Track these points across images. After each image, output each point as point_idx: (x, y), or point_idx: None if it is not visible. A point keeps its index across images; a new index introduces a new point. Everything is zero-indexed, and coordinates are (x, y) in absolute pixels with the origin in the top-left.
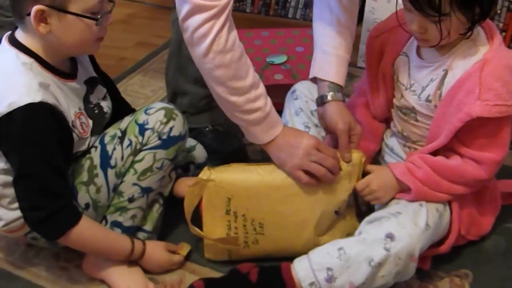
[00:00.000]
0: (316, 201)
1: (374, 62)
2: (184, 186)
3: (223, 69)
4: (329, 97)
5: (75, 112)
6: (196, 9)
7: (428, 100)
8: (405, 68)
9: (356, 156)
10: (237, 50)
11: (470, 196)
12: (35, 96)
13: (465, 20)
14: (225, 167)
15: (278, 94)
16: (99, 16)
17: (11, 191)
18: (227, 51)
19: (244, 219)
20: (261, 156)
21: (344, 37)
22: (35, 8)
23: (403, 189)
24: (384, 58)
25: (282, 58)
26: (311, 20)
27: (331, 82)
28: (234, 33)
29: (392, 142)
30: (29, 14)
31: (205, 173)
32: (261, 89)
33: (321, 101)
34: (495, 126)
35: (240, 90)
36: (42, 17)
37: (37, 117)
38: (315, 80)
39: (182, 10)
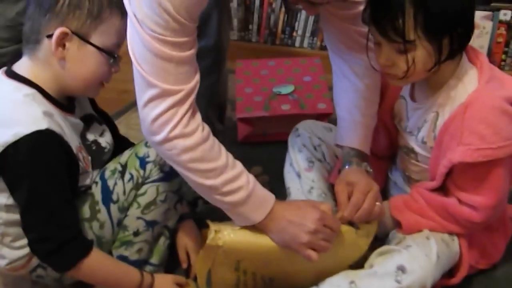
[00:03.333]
0: (330, 261)
1: None
2: (187, 240)
3: (189, 152)
4: (352, 166)
5: (76, 145)
6: (162, 95)
7: (423, 142)
8: (403, 111)
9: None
10: (203, 131)
11: None
12: (41, 124)
13: (433, 52)
14: (232, 227)
15: (285, 124)
16: (115, 56)
17: (13, 230)
18: (189, 134)
19: (254, 275)
20: (269, 187)
21: (365, 102)
22: (59, 29)
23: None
24: (383, 102)
25: (289, 88)
26: (318, 49)
27: (352, 149)
28: (198, 117)
29: (395, 176)
30: (50, 36)
31: (213, 239)
32: (239, 167)
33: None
34: (483, 170)
35: (215, 172)
36: (62, 41)
37: (45, 145)
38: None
39: (144, 96)
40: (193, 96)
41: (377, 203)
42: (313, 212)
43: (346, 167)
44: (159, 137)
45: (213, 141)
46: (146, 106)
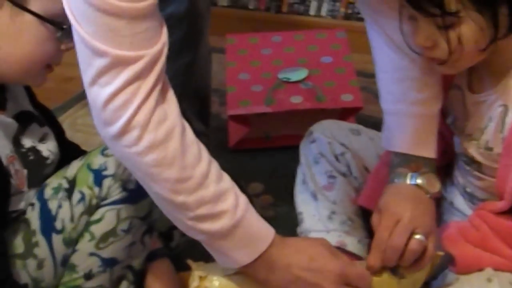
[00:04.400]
0: None
1: None
2: (160, 286)
3: (156, 150)
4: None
5: (7, 155)
6: (114, 65)
7: (488, 148)
8: (459, 106)
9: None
10: (179, 120)
11: None
12: None
13: (485, 25)
14: (225, 271)
15: (295, 124)
16: (64, 27)
17: None
18: (159, 122)
19: None
20: (274, 212)
21: (416, 84)
22: None
23: None
24: None
25: (302, 74)
26: (342, 18)
27: (398, 154)
28: (171, 97)
29: (451, 194)
30: None
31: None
32: (226, 182)
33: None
34: None
35: (189, 183)
36: None
37: None
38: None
39: (91, 69)
40: (160, 65)
41: (416, 237)
42: (331, 266)
43: (393, 182)
44: (115, 127)
45: (192, 138)
46: (94, 84)
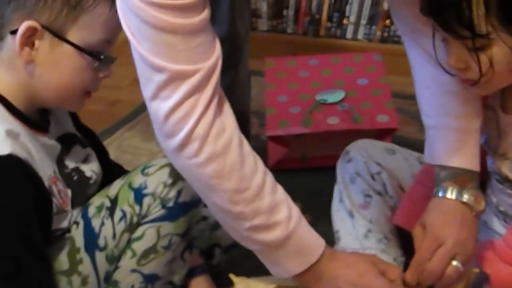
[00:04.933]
0: None
1: None
2: None
3: (215, 161)
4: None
5: (50, 175)
6: (173, 79)
7: None
8: (492, 126)
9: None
10: (236, 132)
11: None
12: (1, 147)
13: None
14: (266, 285)
15: (332, 145)
16: (101, 57)
17: None
18: (217, 133)
19: None
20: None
21: (456, 98)
22: (26, 24)
23: None
24: None
25: (339, 95)
26: (378, 41)
27: (442, 168)
28: (227, 109)
29: (486, 214)
30: (14, 32)
31: None
32: (281, 193)
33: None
34: None
35: (246, 194)
36: (30, 39)
37: (6, 176)
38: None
39: (151, 85)
40: (215, 78)
41: (454, 263)
42: (377, 284)
43: (437, 196)
44: (176, 139)
45: (248, 149)
46: (155, 98)
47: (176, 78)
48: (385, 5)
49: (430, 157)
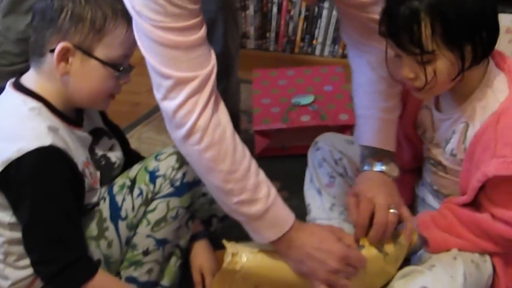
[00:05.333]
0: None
1: None
2: (202, 261)
3: (214, 148)
4: (372, 168)
5: (83, 161)
6: (177, 83)
7: (452, 154)
8: (428, 121)
9: (404, 238)
10: (229, 125)
11: None
12: (44, 140)
13: (455, 60)
14: (251, 249)
15: (305, 137)
16: (121, 68)
17: (17, 248)
18: (215, 125)
19: None
20: (288, 204)
21: (380, 95)
22: (61, 44)
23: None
24: (405, 112)
25: (309, 99)
26: (340, 57)
27: (366, 148)
28: (222, 108)
29: (423, 192)
30: (52, 51)
31: (230, 263)
32: (262, 176)
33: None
34: None
35: (237, 175)
36: (65, 56)
37: (48, 162)
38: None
39: (161, 88)
40: (211, 83)
41: (391, 211)
42: (336, 249)
43: (363, 170)
44: (183, 130)
45: (238, 140)
46: (165, 99)
47: (180, 83)
48: None
49: (358, 139)
